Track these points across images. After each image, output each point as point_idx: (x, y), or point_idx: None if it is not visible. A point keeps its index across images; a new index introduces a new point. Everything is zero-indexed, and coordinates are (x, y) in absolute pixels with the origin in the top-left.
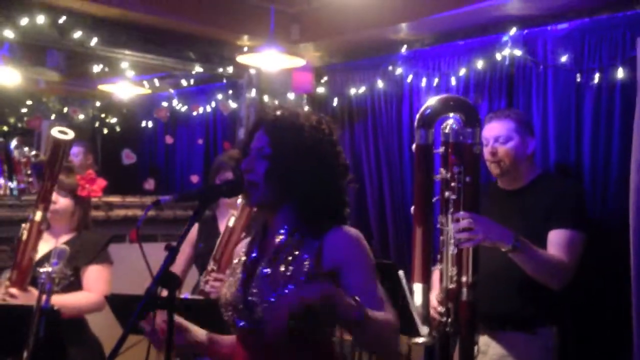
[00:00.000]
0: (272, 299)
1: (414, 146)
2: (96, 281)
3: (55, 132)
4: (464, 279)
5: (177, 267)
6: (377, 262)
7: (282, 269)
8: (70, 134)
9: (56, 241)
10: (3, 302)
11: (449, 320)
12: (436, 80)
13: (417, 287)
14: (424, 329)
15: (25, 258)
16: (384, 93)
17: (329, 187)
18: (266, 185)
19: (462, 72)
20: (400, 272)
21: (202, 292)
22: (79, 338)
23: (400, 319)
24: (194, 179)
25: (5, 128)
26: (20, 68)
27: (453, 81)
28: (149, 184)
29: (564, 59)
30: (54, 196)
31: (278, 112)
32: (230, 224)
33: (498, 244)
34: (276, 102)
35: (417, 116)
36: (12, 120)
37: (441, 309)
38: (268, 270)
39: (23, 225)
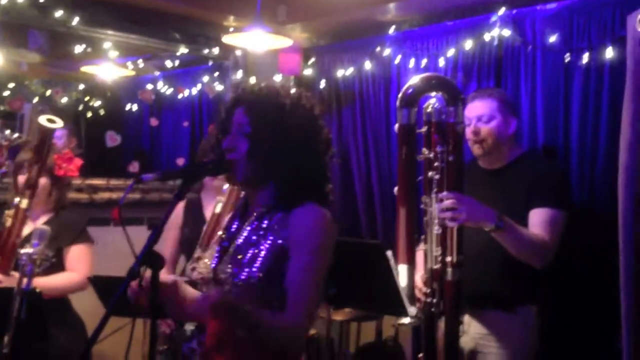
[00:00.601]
0: (238, 281)
1: (396, 126)
2: (79, 261)
3: (43, 120)
4: (448, 259)
5: (166, 251)
6: (363, 243)
7: (249, 248)
8: (59, 123)
9: (34, 222)
10: None
11: (434, 300)
12: (424, 61)
13: (402, 268)
14: (412, 310)
15: (9, 244)
16: (372, 74)
17: (311, 164)
18: (248, 164)
19: (451, 53)
20: (389, 252)
21: (189, 279)
22: (62, 319)
23: (388, 300)
24: (180, 161)
25: None
26: (1, 50)
27: (441, 62)
28: (134, 167)
29: (552, 39)
30: None
31: (257, 90)
32: (217, 210)
33: (481, 223)
34: (254, 80)
35: (399, 95)
36: None
37: (426, 289)
38: (237, 253)
39: (6, 212)
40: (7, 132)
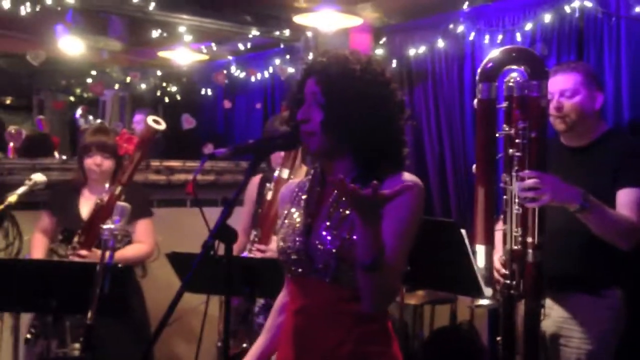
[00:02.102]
0: (334, 250)
1: (475, 101)
2: (145, 233)
3: (150, 120)
4: (529, 239)
5: (241, 224)
6: (438, 221)
7: (342, 219)
8: (163, 125)
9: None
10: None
11: (514, 282)
12: (500, 37)
13: (480, 249)
14: (488, 291)
15: (95, 223)
16: (445, 53)
17: (387, 130)
18: (323, 135)
19: (528, 27)
20: (463, 231)
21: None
22: (133, 287)
23: (463, 280)
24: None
25: (71, 98)
26: (83, 37)
27: (518, 37)
28: (208, 149)
29: (638, 9)
30: (99, 159)
31: (326, 59)
32: (269, 197)
33: (565, 203)
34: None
35: (479, 70)
36: (77, 90)
37: (505, 271)
38: (328, 222)
39: (101, 195)
40: (90, 117)
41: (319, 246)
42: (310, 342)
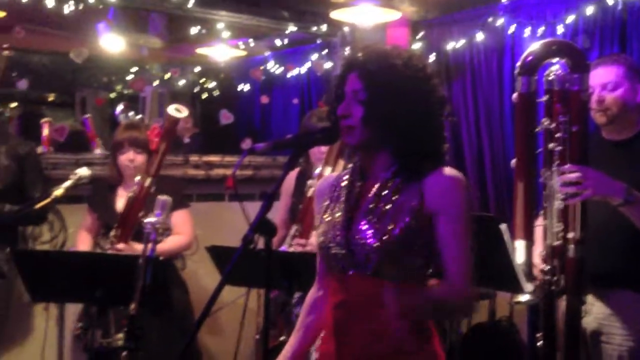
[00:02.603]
0: (376, 244)
1: (514, 95)
2: (183, 225)
3: (171, 109)
4: (570, 235)
5: (278, 217)
6: (477, 216)
7: (384, 213)
8: (184, 112)
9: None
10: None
11: (554, 278)
12: (541, 29)
13: (519, 244)
14: (529, 287)
15: (131, 217)
16: (484, 47)
17: (427, 126)
18: (364, 129)
19: (570, 19)
20: (503, 226)
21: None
22: (174, 279)
23: (503, 275)
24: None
25: (112, 95)
26: (124, 35)
27: (560, 30)
28: (246, 144)
29: None
30: (132, 155)
31: (368, 54)
32: (309, 193)
33: (609, 198)
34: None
35: (518, 63)
36: (118, 87)
37: (545, 267)
38: (370, 216)
39: (133, 188)
40: (131, 113)
41: (360, 240)
42: (351, 337)
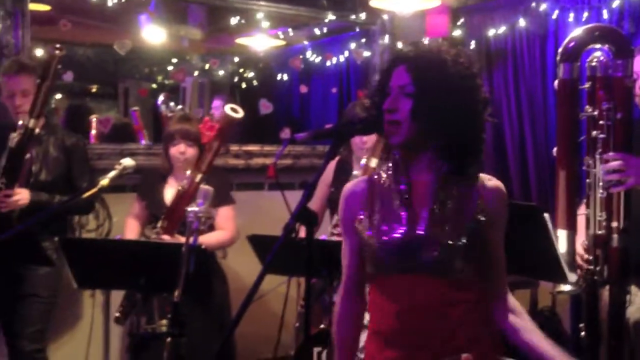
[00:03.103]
0: (439, 242)
1: (556, 82)
2: (227, 220)
3: (228, 109)
4: (614, 224)
5: (314, 205)
6: (519, 205)
7: (447, 213)
8: (240, 113)
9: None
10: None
11: (597, 268)
12: (585, 14)
13: (562, 234)
14: (572, 277)
15: (178, 211)
16: (527, 32)
17: (472, 124)
18: (411, 125)
19: (616, 3)
20: (546, 215)
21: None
22: (212, 269)
23: (546, 265)
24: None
25: (153, 86)
26: (165, 26)
27: (605, 14)
28: (285, 133)
29: None
30: (183, 147)
31: (419, 49)
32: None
33: None
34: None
35: (560, 49)
36: (159, 78)
37: (588, 256)
38: (429, 215)
39: (179, 182)
40: (172, 104)
41: (427, 243)
42: (422, 339)
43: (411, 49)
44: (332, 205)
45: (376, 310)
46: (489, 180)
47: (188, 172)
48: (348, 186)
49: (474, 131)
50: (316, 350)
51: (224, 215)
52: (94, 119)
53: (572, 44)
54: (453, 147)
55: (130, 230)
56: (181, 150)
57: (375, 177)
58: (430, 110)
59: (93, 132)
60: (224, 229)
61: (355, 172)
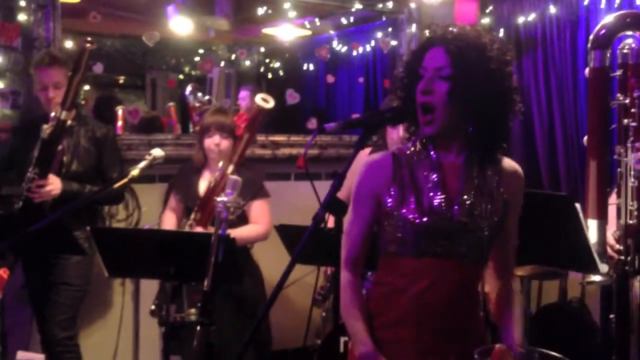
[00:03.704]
0: (475, 230)
1: (587, 70)
2: (261, 214)
3: (258, 99)
4: None
5: (341, 194)
6: (550, 194)
7: (478, 198)
8: (271, 103)
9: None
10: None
11: (629, 258)
12: (617, 0)
13: (592, 224)
14: (604, 267)
15: (211, 202)
16: (557, 19)
17: (506, 110)
18: (445, 108)
19: None
20: (577, 205)
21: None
22: (245, 267)
23: (576, 255)
24: (355, 116)
25: (180, 76)
26: (192, 17)
27: (638, 0)
28: (312, 123)
29: None
30: (218, 139)
31: (458, 31)
32: None
33: None
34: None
35: (591, 37)
36: (186, 69)
37: (619, 246)
38: (465, 201)
39: (210, 174)
40: (199, 94)
41: (457, 225)
42: (435, 321)
43: (452, 31)
44: None
45: (384, 289)
46: (507, 163)
47: (220, 164)
48: (374, 157)
49: (505, 117)
50: (343, 339)
51: (259, 209)
52: (119, 110)
53: (603, 31)
54: (484, 131)
55: (167, 223)
56: (216, 142)
57: (399, 154)
58: (468, 94)
59: (119, 123)
60: (258, 223)
61: None
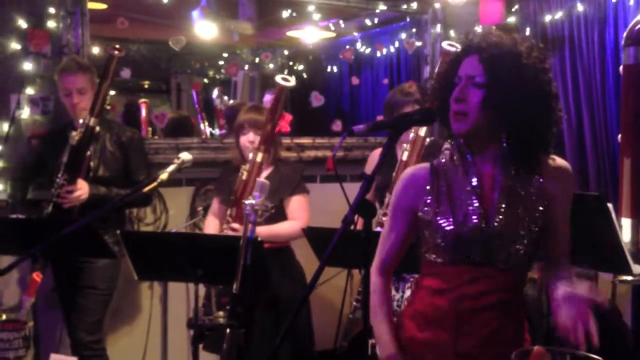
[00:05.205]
0: (522, 238)
1: (621, 67)
2: (299, 210)
3: (279, 79)
4: None
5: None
6: (581, 194)
7: (517, 207)
8: (292, 81)
9: (258, 177)
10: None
11: None
12: None
13: (626, 222)
14: (637, 267)
15: (245, 195)
16: (585, 17)
17: (544, 118)
18: (479, 116)
19: None
20: (609, 205)
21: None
22: (285, 268)
23: (608, 256)
24: (380, 119)
25: (205, 80)
26: (216, 21)
27: None
28: (337, 126)
29: None
30: (252, 136)
31: (493, 38)
32: (404, 157)
33: None
34: (483, 28)
35: (625, 34)
36: (211, 72)
37: None
38: (503, 208)
39: (243, 166)
40: (225, 98)
41: (496, 234)
42: (472, 327)
43: (486, 38)
44: (379, 193)
45: (424, 292)
46: (553, 161)
47: (250, 155)
48: (409, 170)
49: (543, 125)
50: (371, 341)
51: (297, 205)
52: (143, 110)
53: (638, 27)
54: (521, 140)
55: (208, 228)
56: (250, 139)
57: (437, 164)
58: (502, 103)
59: (143, 116)
60: (296, 219)
61: None
